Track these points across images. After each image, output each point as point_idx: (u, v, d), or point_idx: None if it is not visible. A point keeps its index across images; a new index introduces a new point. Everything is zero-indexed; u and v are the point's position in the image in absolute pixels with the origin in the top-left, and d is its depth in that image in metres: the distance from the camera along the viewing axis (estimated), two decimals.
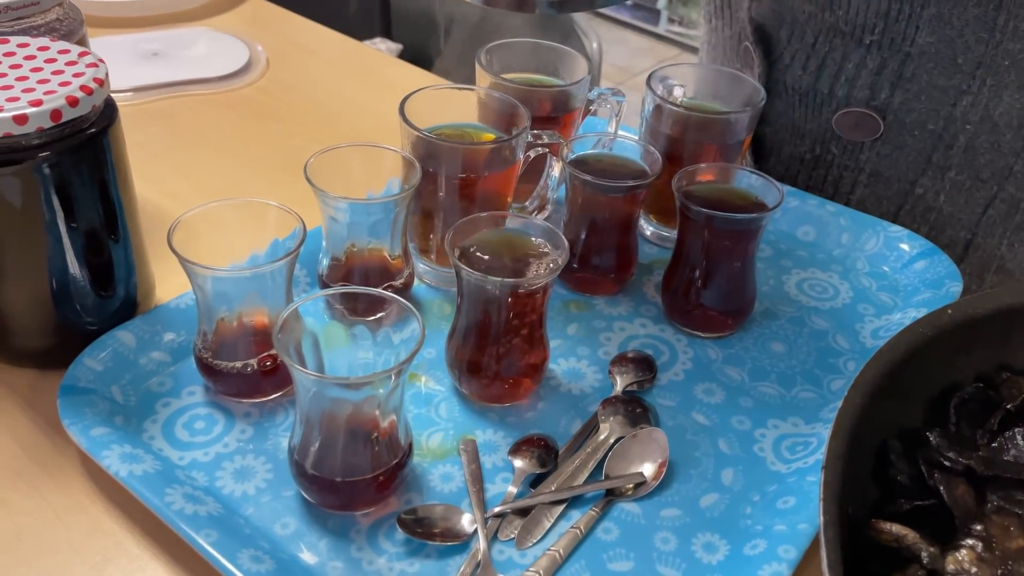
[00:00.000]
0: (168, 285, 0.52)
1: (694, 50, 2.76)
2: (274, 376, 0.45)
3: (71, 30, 0.53)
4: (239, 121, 0.73)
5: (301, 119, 0.74)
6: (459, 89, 0.56)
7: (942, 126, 0.60)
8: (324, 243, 0.51)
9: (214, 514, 0.39)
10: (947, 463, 0.40)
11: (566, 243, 0.45)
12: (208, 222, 0.44)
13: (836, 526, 0.32)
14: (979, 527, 0.37)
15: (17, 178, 0.41)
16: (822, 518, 0.32)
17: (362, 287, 0.41)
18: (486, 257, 0.45)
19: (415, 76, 0.85)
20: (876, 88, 0.61)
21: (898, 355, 0.40)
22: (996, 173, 0.61)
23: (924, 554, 0.36)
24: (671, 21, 2.89)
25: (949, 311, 0.43)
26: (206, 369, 0.45)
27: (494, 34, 1.71)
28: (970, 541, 0.36)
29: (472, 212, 0.48)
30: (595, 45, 1.87)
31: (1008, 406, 0.43)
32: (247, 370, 0.44)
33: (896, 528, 0.37)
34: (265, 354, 0.45)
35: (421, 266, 0.56)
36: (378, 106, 0.77)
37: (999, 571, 0.35)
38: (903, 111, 0.61)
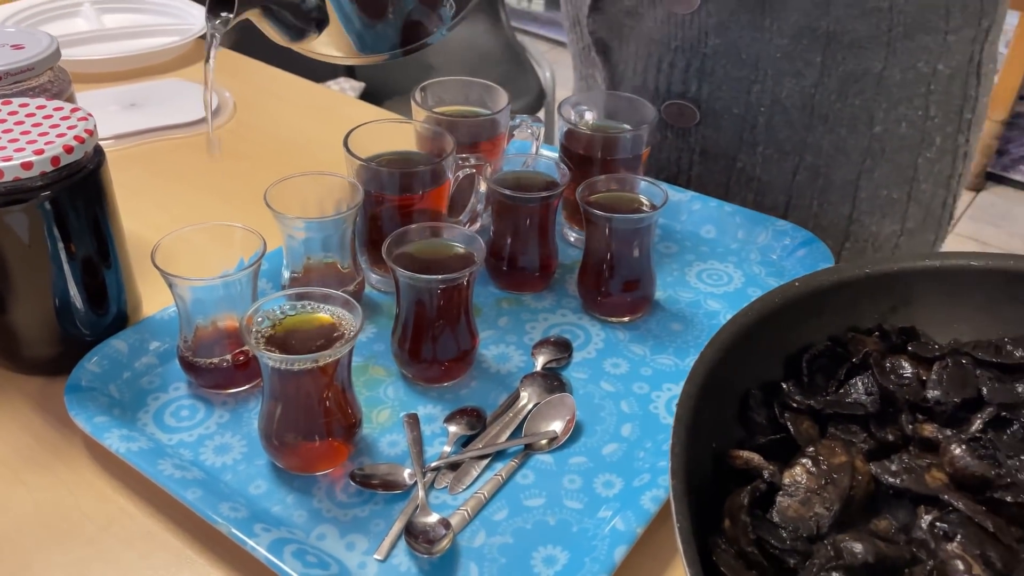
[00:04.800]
0: (151, 302, 0.61)
1: None
2: (245, 370, 0.54)
3: (61, 89, 0.62)
4: (210, 160, 0.82)
5: (267, 156, 0.84)
6: (397, 122, 0.66)
7: (744, 110, 0.73)
8: (284, 259, 0.60)
9: (199, 478, 0.47)
10: (795, 405, 0.49)
11: (483, 245, 0.54)
12: (185, 244, 0.53)
13: (683, 444, 0.41)
14: (811, 449, 0.46)
15: (24, 214, 0.50)
16: (672, 439, 0.41)
17: (314, 287, 0.50)
18: (417, 261, 0.54)
19: (370, 112, 0.94)
20: (688, 83, 0.74)
21: (750, 319, 0.49)
22: (795, 146, 0.73)
23: (765, 472, 0.45)
24: None
25: (797, 283, 0.52)
26: (188, 366, 0.54)
27: (447, 70, 1.82)
28: (803, 460, 0.45)
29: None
30: (548, 74, 1.98)
31: (853, 360, 0.52)
32: (223, 365, 0.53)
33: (746, 454, 0.46)
34: (237, 351, 0.54)
35: (373, 276, 0.65)
36: (336, 141, 0.87)
37: (823, 480, 0.44)
38: (711, 100, 0.74)
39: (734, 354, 0.48)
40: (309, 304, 0.49)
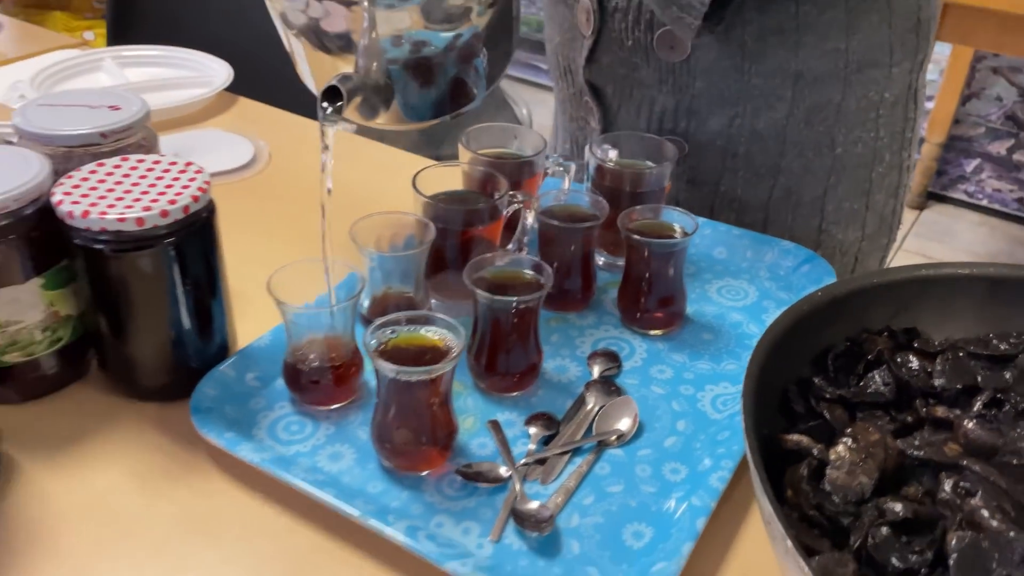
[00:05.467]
0: (244, 332, 0.67)
1: None
2: (344, 386, 0.61)
3: (152, 145, 0.69)
4: (260, 204, 0.89)
5: (309, 198, 0.91)
6: (456, 165, 0.74)
7: (726, 141, 0.84)
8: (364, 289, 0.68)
9: (326, 480, 0.54)
10: (828, 396, 0.58)
11: (550, 272, 0.62)
12: (289, 276, 0.60)
13: (752, 429, 0.49)
14: (849, 430, 0.55)
15: (151, 258, 0.57)
16: (744, 424, 0.50)
17: (422, 312, 0.57)
18: (493, 284, 0.62)
19: (393, 153, 1.02)
20: (677, 121, 0.85)
21: (786, 324, 0.58)
22: (770, 169, 0.85)
23: (814, 450, 0.53)
24: None
25: (819, 293, 0.61)
26: (294, 385, 0.60)
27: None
28: (844, 439, 0.54)
29: (470, 256, 0.65)
30: (524, 111, 2.08)
31: (869, 356, 0.61)
32: (325, 382, 0.60)
33: (795, 437, 0.54)
34: (339, 364, 0.60)
35: (433, 301, 0.72)
36: (368, 180, 0.94)
37: (863, 455, 0.53)
38: (697, 134, 0.84)
39: (775, 355, 0.57)
40: (416, 326, 0.56)
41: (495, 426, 0.60)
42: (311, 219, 0.63)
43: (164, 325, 0.59)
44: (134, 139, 0.66)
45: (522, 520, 0.52)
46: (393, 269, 0.66)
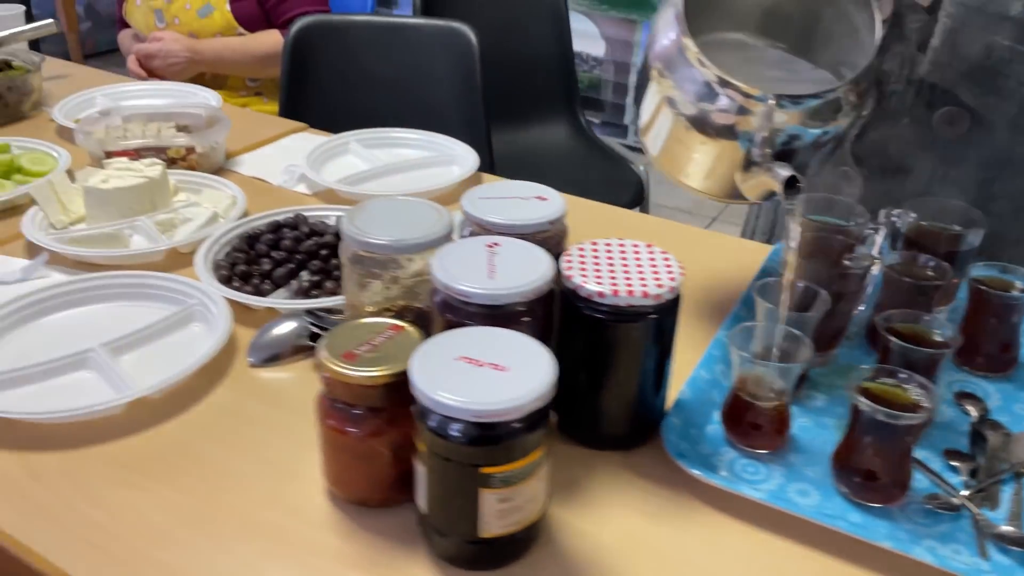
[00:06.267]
0: None
1: None
2: (781, 434, 0.70)
3: (566, 229, 0.78)
4: None
5: None
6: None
7: (979, 203, 0.89)
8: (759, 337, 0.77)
9: (815, 512, 0.63)
10: None
11: (957, 334, 0.72)
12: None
13: None
14: None
15: (640, 328, 0.66)
16: None
17: (899, 368, 0.66)
18: (902, 335, 0.72)
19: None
20: (931, 185, 0.95)
21: None
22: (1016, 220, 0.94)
23: None
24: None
25: None
26: (737, 426, 0.70)
27: (557, 171, 2.01)
28: None
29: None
30: (642, 168, 2.20)
31: None
32: (768, 424, 0.69)
33: None
34: (776, 412, 0.69)
35: None
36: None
37: None
38: (953, 196, 0.90)
39: None
40: (888, 379, 0.66)
41: (919, 463, 0.70)
42: None
43: (635, 383, 0.69)
44: (560, 225, 0.76)
45: (1010, 540, 0.61)
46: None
